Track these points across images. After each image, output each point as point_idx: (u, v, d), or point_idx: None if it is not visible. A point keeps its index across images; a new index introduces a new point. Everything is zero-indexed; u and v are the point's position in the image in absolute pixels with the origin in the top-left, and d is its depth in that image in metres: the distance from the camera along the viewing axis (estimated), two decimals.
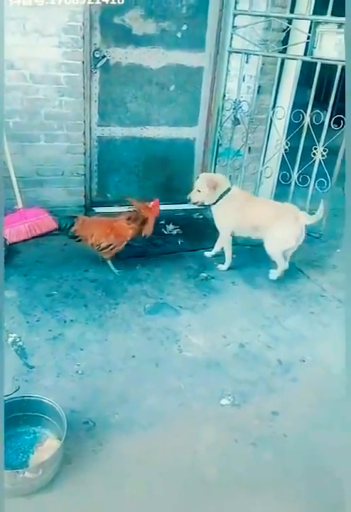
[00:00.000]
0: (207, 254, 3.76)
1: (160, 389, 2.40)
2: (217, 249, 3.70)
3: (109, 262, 3.36)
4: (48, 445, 1.91)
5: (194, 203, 3.52)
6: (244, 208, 3.39)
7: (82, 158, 3.93)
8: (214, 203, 3.43)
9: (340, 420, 2.28)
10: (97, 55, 3.73)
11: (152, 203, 3.44)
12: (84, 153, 3.94)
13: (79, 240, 3.30)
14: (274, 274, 3.47)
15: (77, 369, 2.46)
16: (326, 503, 1.93)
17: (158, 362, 2.59)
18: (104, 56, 3.76)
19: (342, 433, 2.18)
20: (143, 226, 3.37)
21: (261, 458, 2.09)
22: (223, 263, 3.59)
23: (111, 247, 3.28)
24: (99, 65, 3.77)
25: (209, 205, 3.50)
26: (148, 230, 3.40)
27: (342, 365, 2.64)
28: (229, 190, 3.41)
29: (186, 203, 4.46)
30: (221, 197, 3.39)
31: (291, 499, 1.94)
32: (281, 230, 3.30)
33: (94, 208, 4.23)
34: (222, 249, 3.62)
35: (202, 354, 2.68)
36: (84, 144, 3.91)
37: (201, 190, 3.38)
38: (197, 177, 3.57)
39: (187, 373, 2.53)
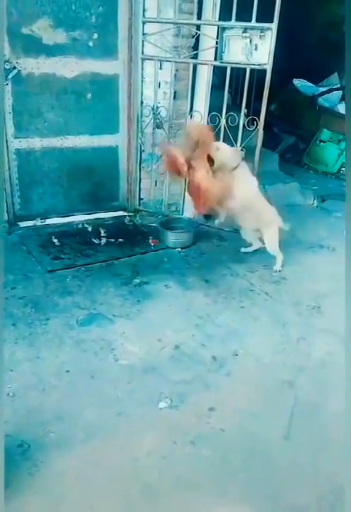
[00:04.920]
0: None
1: (97, 401, 2.37)
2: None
3: None
4: None
5: None
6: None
7: None
8: None
9: (275, 409, 2.41)
10: (7, 67, 3.62)
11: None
12: (2, 167, 3.81)
13: None
14: (277, 265, 3.78)
15: (8, 391, 2.36)
16: (266, 492, 1.99)
17: (94, 374, 2.55)
18: (14, 67, 3.66)
19: (277, 421, 2.32)
20: None
21: (200, 455, 2.12)
22: None
23: None
24: (10, 76, 3.66)
25: None
26: None
27: (271, 356, 2.79)
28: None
29: (115, 210, 4.50)
30: None
31: (232, 491, 1.99)
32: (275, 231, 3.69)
33: (18, 223, 4.10)
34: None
35: (138, 360, 2.68)
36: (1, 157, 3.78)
37: None
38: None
39: (124, 381, 2.52)
